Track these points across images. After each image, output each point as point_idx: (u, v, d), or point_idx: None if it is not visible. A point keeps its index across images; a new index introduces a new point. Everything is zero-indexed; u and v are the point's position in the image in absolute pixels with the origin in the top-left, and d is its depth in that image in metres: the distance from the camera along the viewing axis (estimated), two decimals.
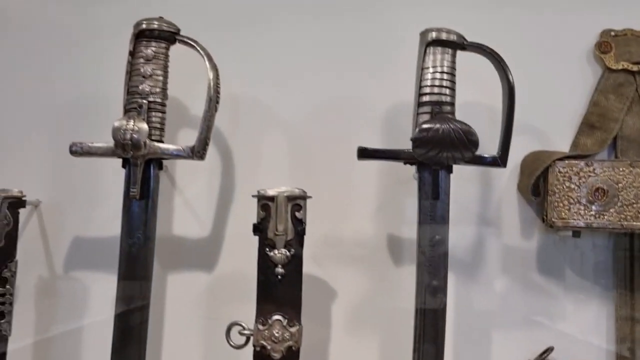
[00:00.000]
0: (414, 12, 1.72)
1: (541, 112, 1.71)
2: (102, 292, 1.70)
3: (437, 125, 1.43)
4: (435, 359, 1.48)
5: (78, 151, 1.51)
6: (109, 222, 1.71)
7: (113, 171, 1.69)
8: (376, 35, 1.74)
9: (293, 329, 1.45)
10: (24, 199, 1.56)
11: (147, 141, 1.47)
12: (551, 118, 1.72)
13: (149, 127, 1.48)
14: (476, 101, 1.70)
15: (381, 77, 1.73)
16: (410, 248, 1.69)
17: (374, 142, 1.61)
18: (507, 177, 1.71)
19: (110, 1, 1.79)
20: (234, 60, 1.68)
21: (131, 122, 1.45)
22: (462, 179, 1.63)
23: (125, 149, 1.45)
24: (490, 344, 1.67)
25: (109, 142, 1.49)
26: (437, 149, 1.43)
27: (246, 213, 1.66)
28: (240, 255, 1.69)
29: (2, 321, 1.51)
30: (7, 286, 1.52)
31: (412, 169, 1.66)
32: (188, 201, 1.72)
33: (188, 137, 1.68)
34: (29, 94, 1.78)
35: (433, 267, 1.50)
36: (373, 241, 1.70)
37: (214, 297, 1.70)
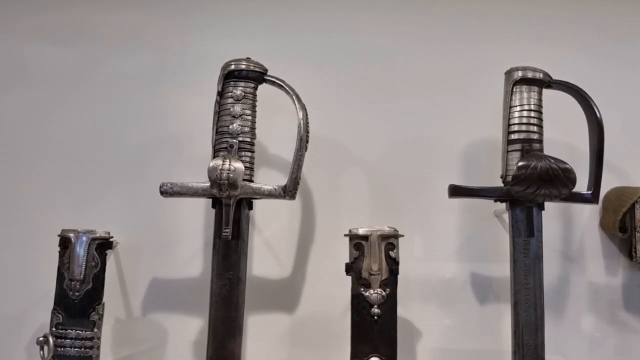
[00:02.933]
0: (493, 52, 1.75)
1: (619, 148, 1.72)
2: (180, 335, 1.68)
3: (535, 163, 1.43)
4: None
5: (168, 191, 1.50)
6: (187, 264, 1.72)
7: (192, 211, 1.72)
8: (454, 73, 1.76)
9: None
10: (111, 240, 1.55)
11: (240, 182, 1.47)
12: (629, 154, 1.73)
13: None
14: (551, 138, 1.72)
15: (458, 115, 1.74)
16: (494, 286, 1.68)
17: (453, 181, 1.60)
18: (588, 214, 1.71)
19: (193, 43, 1.82)
20: (312, 100, 1.70)
21: (227, 162, 1.44)
22: (545, 217, 1.62)
23: (221, 188, 1.44)
24: None
25: (200, 182, 1.50)
26: (535, 186, 1.43)
27: (327, 253, 1.69)
28: (322, 297, 1.68)
29: None
30: (95, 329, 1.49)
31: (492, 207, 1.68)
32: (268, 241, 1.71)
33: (266, 177, 1.70)
34: (109, 135, 1.78)
35: (529, 305, 1.48)
36: (457, 280, 1.68)
37: (294, 340, 1.67)
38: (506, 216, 1.63)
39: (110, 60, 1.82)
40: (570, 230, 1.70)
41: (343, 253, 1.48)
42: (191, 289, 1.69)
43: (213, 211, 1.54)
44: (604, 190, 1.67)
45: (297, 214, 1.72)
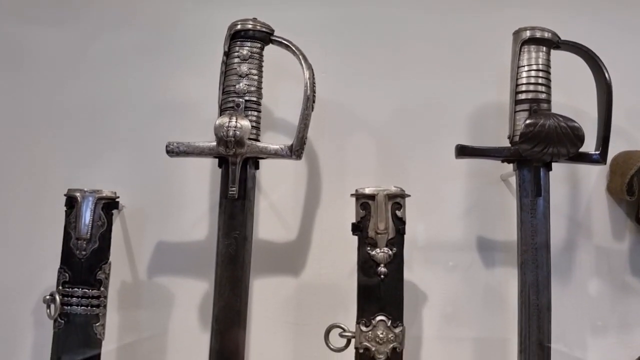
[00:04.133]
0: (500, 15, 1.73)
1: (627, 112, 1.71)
2: (186, 298, 1.68)
3: (543, 121, 1.42)
4: None
5: (174, 150, 1.50)
6: (193, 227, 1.72)
7: (198, 175, 1.72)
8: (461, 36, 1.75)
9: (397, 330, 1.42)
10: (117, 200, 1.54)
11: (247, 140, 1.46)
12: (638, 118, 1.72)
13: None
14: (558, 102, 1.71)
15: (465, 78, 1.73)
16: (500, 250, 1.68)
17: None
18: (595, 179, 1.70)
19: (198, 8, 1.81)
20: (318, 64, 1.69)
21: (233, 120, 1.44)
22: (552, 181, 1.61)
23: (228, 146, 1.43)
24: (585, 346, 1.63)
25: (206, 141, 1.50)
26: (543, 145, 1.42)
27: (333, 216, 1.69)
28: (328, 260, 1.68)
29: (97, 324, 1.47)
30: (102, 289, 1.49)
31: (498, 171, 1.68)
32: (273, 205, 1.71)
33: (272, 141, 1.69)
34: (118, 96, 1.77)
35: (537, 265, 1.47)
36: (463, 243, 1.68)
37: (300, 303, 1.68)
38: (513, 180, 1.63)
39: (116, 28, 1.81)
40: (577, 195, 1.70)
41: (349, 216, 1.47)
42: (197, 252, 1.69)
43: (219, 175, 1.53)
44: (611, 154, 1.66)
45: (303, 177, 1.72)
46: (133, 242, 1.71)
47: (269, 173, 1.70)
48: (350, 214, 1.47)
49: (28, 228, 1.71)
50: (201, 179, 1.71)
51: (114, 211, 1.57)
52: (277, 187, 1.71)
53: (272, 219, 1.70)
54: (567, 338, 1.61)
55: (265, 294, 1.67)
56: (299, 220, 1.70)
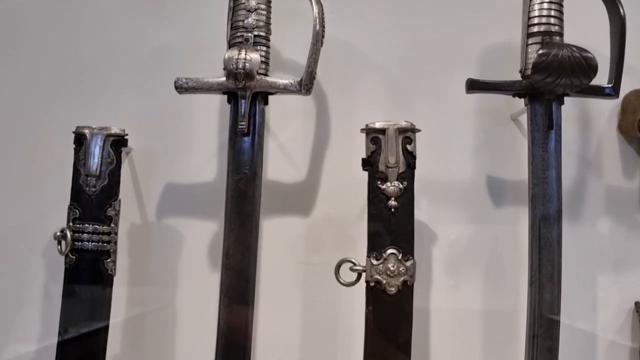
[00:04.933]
0: None
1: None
2: (196, 238, 1.68)
3: (556, 51, 1.40)
4: (552, 294, 1.45)
5: (183, 86, 1.49)
6: (201, 168, 1.71)
7: (206, 115, 1.71)
8: None
9: (408, 263, 1.42)
10: (125, 137, 1.53)
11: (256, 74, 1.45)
12: None
13: None
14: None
15: (476, 16, 1.71)
16: (510, 189, 1.67)
17: None
18: (606, 117, 1.69)
19: None
20: (326, 4, 1.66)
21: (243, 52, 1.42)
22: (563, 120, 1.58)
23: (237, 78, 1.42)
24: (595, 284, 1.64)
25: (215, 77, 1.48)
26: (556, 75, 1.40)
27: (343, 156, 1.68)
28: (337, 199, 1.68)
29: (108, 260, 1.48)
30: (112, 225, 1.49)
31: (508, 110, 1.66)
32: (282, 145, 1.70)
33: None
34: (126, 36, 1.75)
35: (547, 198, 1.47)
36: (472, 182, 1.67)
37: (309, 242, 1.68)
38: (523, 119, 1.62)
39: None
40: (588, 133, 1.68)
41: (358, 155, 1.46)
42: (206, 193, 1.69)
43: (227, 116, 1.52)
44: (623, 92, 1.64)
45: (312, 117, 1.70)
46: (142, 184, 1.71)
47: (277, 113, 1.69)
48: (359, 153, 1.47)
49: (37, 167, 1.70)
50: (209, 119, 1.70)
51: (123, 153, 1.56)
52: (285, 127, 1.70)
53: (281, 159, 1.69)
54: (577, 273, 1.60)
55: (274, 235, 1.66)
56: (308, 159, 1.69)
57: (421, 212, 1.61)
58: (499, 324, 1.62)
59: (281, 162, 1.69)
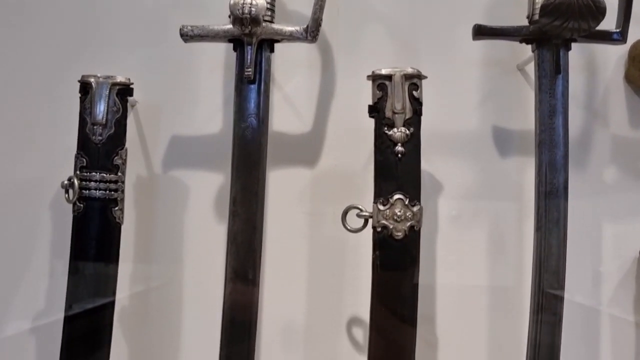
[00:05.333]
0: None
1: None
2: (202, 190, 1.68)
3: None
4: (558, 240, 1.46)
5: (188, 34, 1.48)
6: (207, 121, 1.71)
7: (210, 66, 1.70)
8: None
9: (415, 208, 1.43)
10: (131, 86, 1.53)
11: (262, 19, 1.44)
12: None
13: None
14: None
15: None
16: (516, 140, 1.67)
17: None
18: (613, 66, 1.68)
19: None
20: None
21: None
22: (569, 69, 1.58)
23: (243, 23, 1.41)
24: (600, 233, 1.64)
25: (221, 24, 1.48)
26: (564, 18, 1.38)
27: (348, 106, 1.67)
28: (343, 150, 1.68)
29: (115, 208, 1.49)
30: (119, 174, 1.50)
31: (515, 60, 1.66)
32: (288, 96, 1.70)
33: None
34: None
35: (554, 144, 1.47)
36: (478, 132, 1.67)
37: (315, 193, 1.68)
38: (529, 69, 1.62)
39: None
40: (595, 83, 1.67)
41: (364, 105, 1.46)
42: (212, 145, 1.69)
43: (233, 68, 1.52)
44: (630, 41, 1.65)
45: (317, 67, 1.69)
46: (147, 136, 1.71)
47: (282, 64, 1.67)
48: (365, 104, 1.46)
49: (43, 118, 1.70)
50: (214, 71, 1.69)
51: (128, 102, 1.56)
52: (291, 78, 1.69)
53: (287, 110, 1.69)
54: (583, 221, 1.60)
55: (280, 186, 1.66)
56: (314, 110, 1.68)
57: (426, 162, 1.60)
58: (504, 272, 1.64)
59: (287, 113, 1.69)
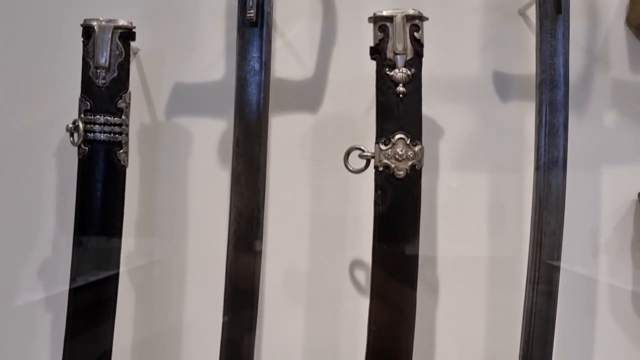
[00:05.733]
0: None
1: None
2: (205, 138, 1.70)
3: None
4: (557, 179, 1.47)
5: None
6: (210, 67, 1.71)
7: (211, 14, 1.71)
8: None
9: (416, 148, 1.44)
10: (133, 30, 1.53)
11: None
12: None
13: None
14: None
15: None
16: (517, 85, 1.68)
17: None
18: (614, 10, 1.67)
19: None
20: None
21: None
22: (570, 13, 1.59)
23: None
24: (600, 176, 1.66)
25: None
26: None
27: (351, 51, 1.67)
28: (345, 97, 1.69)
29: (120, 151, 1.51)
30: (123, 117, 1.51)
31: (516, 5, 1.66)
32: (289, 43, 1.70)
33: None
34: None
35: (554, 84, 1.48)
36: (478, 78, 1.67)
37: (317, 139, 1.69)
38: (530, 13, 1.62)
39: None
40: (595, 27, 1.67)
41: (366, 50, 1.46)
42: (215, 92, 1.70)
43: (235, 15, 1.51)
44: None
45: (319, 13, 1.69)
46: (150, 84, 1.72)
47: (284, 10, 1.67)
48: (366, 49, 1.46)
49: (46, 63, 1.71)
50: (217, 17, 1.69)
51: (131, 47, 1.57)
52: (292, 25, 1.69)
53: (289, 56, 1.69)
54: (582, 164, 1.61)
55: (281, 132, 1.68)
56: (316, 56, 1.69)
57: (426, 107, 1.61)
58: (504, 209, 1.66)
59: (288, 59, 1.69)
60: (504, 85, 1.67)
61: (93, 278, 1.49)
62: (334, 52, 1.69)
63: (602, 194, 1.65)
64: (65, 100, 1.58)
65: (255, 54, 1.48)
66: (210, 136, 1.70)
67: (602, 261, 1.65)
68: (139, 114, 1.69)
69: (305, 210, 1.68)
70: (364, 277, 1.67)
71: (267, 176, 1.56)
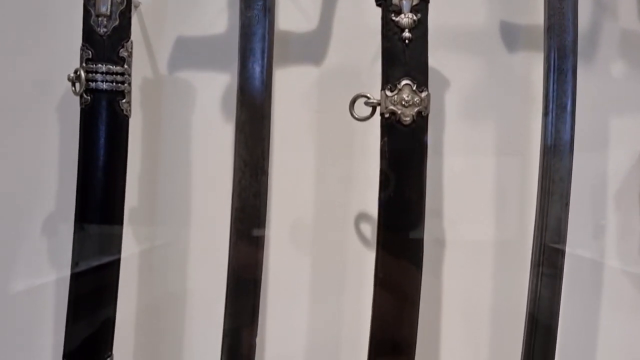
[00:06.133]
0: None
1: None
2: (208, 92, 1.68)
3: None
4: (565, 125, 1.45)
5: None
6: (213, 21, 1.68)
7: None
8: None
9: (422, 94, 1.42)
10: None
11: None
12: None
13: None
14: None
15: None
16: (524, 35, 1.66)
17: None
18: None
19: None
20: None
21: None
22: None
23: None
24: (607, 124, 1.64)
25: None
26: None
27: (355, 2, 1.65)
28: (350, 48, 1.66)
29: (123, 101, 1.48)
30: (125, 66, 1.49)
31: None
32: None
33: None
34: None
35: (563, 29, 1.45)
36: (486, 27, 1.65)
37: (322, 91, 1.67)
38: None
39: None
40: None
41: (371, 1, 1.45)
42: (218, 45, 1.67)
43: None
44: None
45: None
46: (152, 38, 1.69)
47: None
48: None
49: (47, 11, 1.68)
50: None
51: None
52: None
53: (292, 8, 1.66)
54: (590, 120, 1.59)
55: (286, 85, 1.66)
56: (320, 5, 1.66)
57: (432, 58, 1.59)
58: (510, 164, 1.65)
59: (293, 12, 1.66)
60: (511, 34, 1.65)
61: (96, 231, 1.48)
62: (338, 1, 1.67)
63: (610, 143, 1.64)
64: (67, 50, 1.55)
65: (259, 1, 1.46)
66: (214, 90, 1.68)
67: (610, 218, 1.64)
68: (141, 68, 1.67)
69: (310, 162, 1.66)
70: (369, 231, 1.66)
71: (271, 128, 1.55)
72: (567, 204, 1.45)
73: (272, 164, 1.58)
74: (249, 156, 1.46)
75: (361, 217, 1.66)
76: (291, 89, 1.67)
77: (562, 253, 1.46)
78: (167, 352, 1.73)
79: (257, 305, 1.47)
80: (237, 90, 1.47)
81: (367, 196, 1.57)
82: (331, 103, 1.65)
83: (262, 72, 1.46)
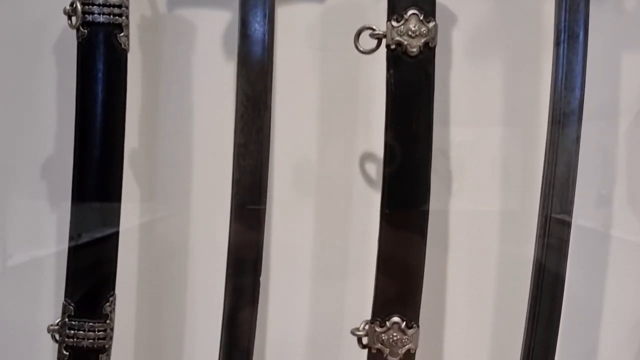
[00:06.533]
0: None
1: None
2: (208, 31, 1.63)
3: None
4: (577, 56, 1.41)
5: None
6: None
7: None
8: None
9: (430, 25, 1.36)
10: None
11: None
12: None
13: None
14: None
15: None
16: None
17: None
18: None
19: None
20: None
21: None
22: None
23: None
24: (619, 66, 1.60)
25: None
26: None
27: None
28: None
29: (121, 34, 1.41)
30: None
31: None
32: None
33: None
34: None
35: None
36: None
37: (326, 28, 1.62)
38: None
39: None
40: None
41: None
42: None
43: None
44: None
45: None
46: None
47: None
48: None
49: None
50: None
51: None
52: None
53: None
54: (597, 59, 1.53)
55: (288, 22, 1.61)
56: None
57: None
58: (517, 108, 1.61)
59: None
60: None
61: (96, 166, 1.46)
62: None
63: (621, 82, 1.59)
64: None
65: None
66: (214, 28, 1.63)
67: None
68: (139, 6, 1.62)
69: (313, 101, 1.62)
70: (374, 171, 1.62)
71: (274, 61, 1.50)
72: (577, 148, 1.42)
73: (275, 102, 1.54)
74: (251, 90, 1.42)
75: (366, 157, 1.62)
76: (293, 26, 1.61)
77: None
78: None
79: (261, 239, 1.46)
80: (239, 22, 1.43)
81: (373, 134, 1.54)
82: (335, 39, 1.60)
83: (264, 4, 1.42)
